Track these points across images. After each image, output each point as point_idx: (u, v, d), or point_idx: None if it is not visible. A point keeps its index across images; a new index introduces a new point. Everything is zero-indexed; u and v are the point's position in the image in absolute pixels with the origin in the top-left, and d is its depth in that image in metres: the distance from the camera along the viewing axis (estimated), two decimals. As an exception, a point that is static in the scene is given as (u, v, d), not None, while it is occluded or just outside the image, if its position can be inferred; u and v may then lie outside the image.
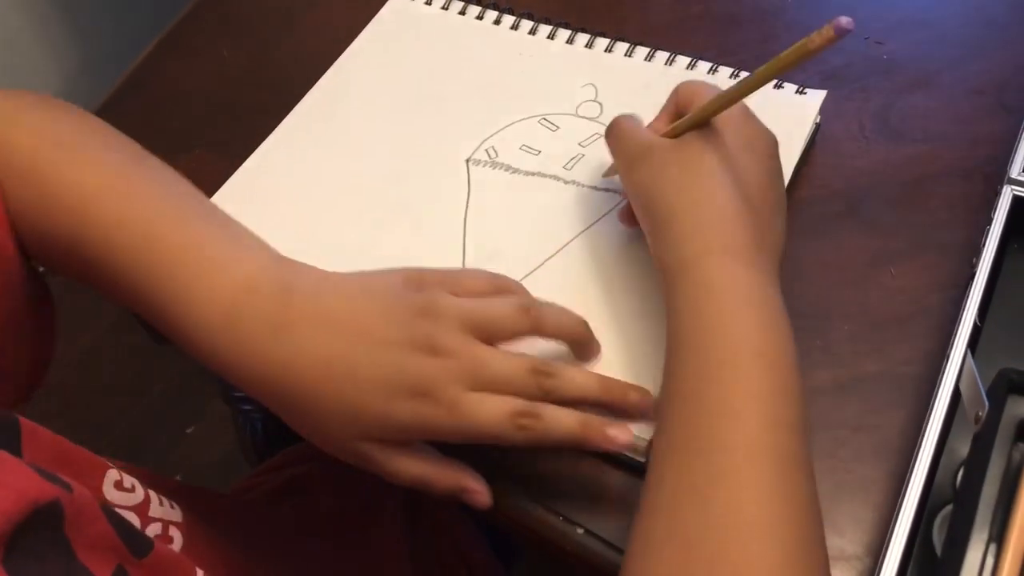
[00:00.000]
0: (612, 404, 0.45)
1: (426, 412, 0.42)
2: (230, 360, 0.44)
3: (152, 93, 0.69)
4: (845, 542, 0.45)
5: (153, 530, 0.45)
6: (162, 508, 0.46)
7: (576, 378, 0.44)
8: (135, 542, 0.38)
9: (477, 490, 0.45)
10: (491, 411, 0.42)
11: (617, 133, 0.51)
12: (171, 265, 0.45)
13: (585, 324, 0.47)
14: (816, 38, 0.39)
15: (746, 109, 0.48)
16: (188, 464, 1.35)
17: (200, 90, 0.68)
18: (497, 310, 0.45)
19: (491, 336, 0.44)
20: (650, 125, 0.51)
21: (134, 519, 0.44)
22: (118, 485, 0.43)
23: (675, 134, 0.48)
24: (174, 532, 0.46)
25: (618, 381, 0.46)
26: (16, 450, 0.37)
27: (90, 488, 0.40)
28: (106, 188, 0.48)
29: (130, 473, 0.46)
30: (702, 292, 0.43)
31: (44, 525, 0.33)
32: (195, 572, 0.42)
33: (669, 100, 0.51)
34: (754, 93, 0.54)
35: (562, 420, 0.43)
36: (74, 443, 0.42)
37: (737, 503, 0.37)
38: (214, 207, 0.51)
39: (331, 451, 0.45)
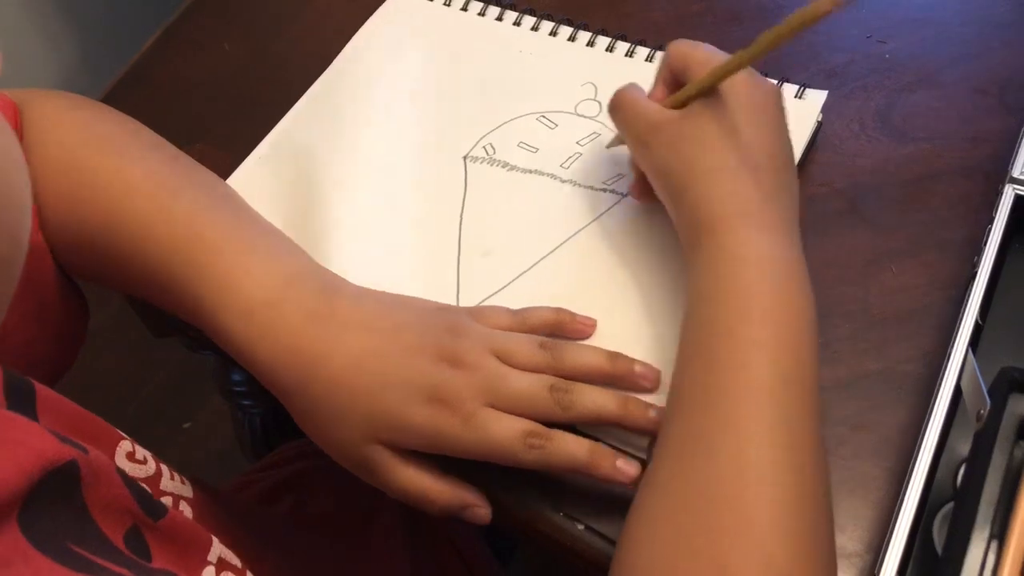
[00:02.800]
0: (627, 422, 0.45)
1: (441, 420, 0.43)
2: (262, 349, 0.46)
3: (153, 87, 0.69)
4: (845, 539, 0.45)
5: (164, 503, 0.45)
6: (173, 483, 0.47)
7: (594, 395, 0.45)
8: (150, 506, 0.39)
9: (478, 504, 0.46)
10: (504, 427, 0.44)
11: (624, 109, 0.51)
12: (213, 255, 0.47)
13: (608, 357, 0.47)
14: (824, 3, 0.39)
15: (750, 70, 0.48)
16: (185, 459, 1.35)
17: (201, 84, 0.68)
18: (518, 341, 0.46)
19: (510, 362, 0.46)
20: (650, 95, 0.51)
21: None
22: (130, 456, 0.44)
23: (680, 103, 0.48)
24: (184, 507, 0.47)
25: (636, 400, 0.46)
26: (31, 414, 0.38)
27: None
28: (150, 182, 0.50)
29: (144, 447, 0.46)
30: (716, 256, 0.44)
31: (60, 485, 0.33)
32: (210, 539, 0.42)
33: (663, 66, 0.51)
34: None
35: (572, 444, 0.44)
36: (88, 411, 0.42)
37: (741, 450, 0.38)
38: (256, 212, 0.53)
39: (336, 453, 0.46)
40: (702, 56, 0.48)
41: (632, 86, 0.52)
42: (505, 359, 0.45)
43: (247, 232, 0.49)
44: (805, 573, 0.37)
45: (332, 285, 0.48)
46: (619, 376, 0.47)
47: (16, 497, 0.31)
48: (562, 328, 0.49)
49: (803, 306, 0.43)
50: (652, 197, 0.51)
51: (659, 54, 0.62)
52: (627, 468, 0.44)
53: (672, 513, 0.39)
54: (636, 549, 0.39)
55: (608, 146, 0.57)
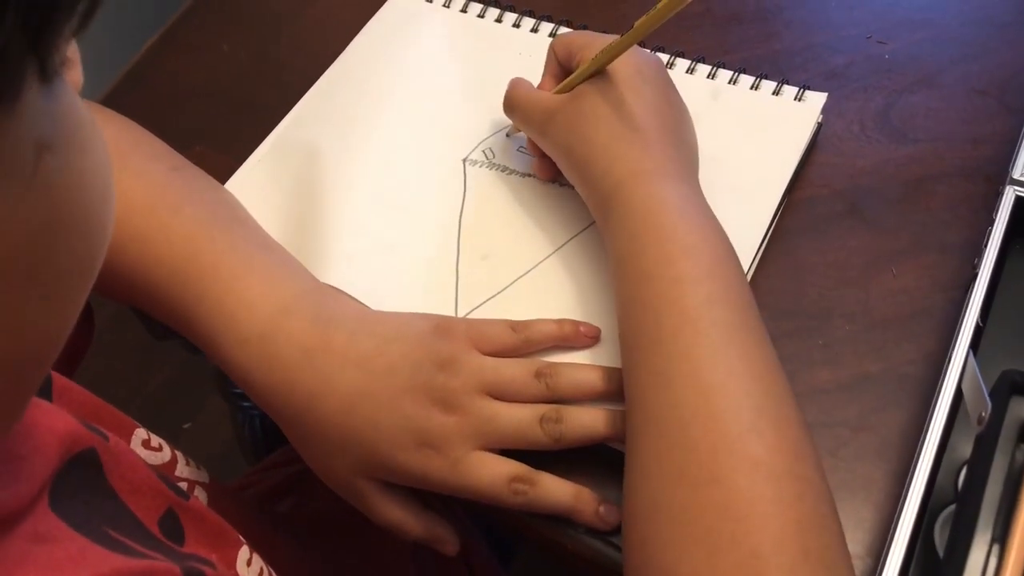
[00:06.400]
0: (621, 439, 0.46)
1: (430, 464, 0.45)
2: (258, 379, 0.46)
3: (152, 89, 0.69)
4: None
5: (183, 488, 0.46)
6: (189, 468, 0.47)
7: (585, 419, 0.46)
8: (177, 489, 0.39)
9: (447, 540, 0.49)
10: (489, 473, 0.45)
11: (516, 105, 0.54)
12: (210, 280, 0.48)
13: (604, 374, 0.47)
14: None
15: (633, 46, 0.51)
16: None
17: (201, 86, 0.68)
18: (512, 374, 0.47)
19: (504, 397, 0.46)
20: (540, 87, 0.55)
21: None
22: (146, 444, 0.44)
23: (570, 88, 0.51)
24: (199, 492, 0.47)
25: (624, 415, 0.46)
26: (48, 401, 0.38)
27: None
28: (152, 200, 0.50)
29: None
30: (627, 213, 0.46)
31: (84, 470, 0.34)
32: (232, 530, 0.42)
33: (549, 59, 0.55)
34: (755, 97, 0.55)
35: (556, 490, 0.45)
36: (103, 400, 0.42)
37: (697, 373, 0.40)
38: (257, 226, 0.53)
39: (329, 480, 0.47)
40: (583, 41, 0.52)
41: (520, 81, 0.55)
42: (498, 394, 0.46)
43: (245, 253, 0.49)
44: (788, 462, 0.38)
45: (327, 314, 0.48)
46: (617, 393, 0.47)
47: (43, 480, 0.31)
48: (566, 342, 0.49)
49: (718, 237, 0.45)
50: (556, 174, 0.55)
51: (659, 56, 0.62)
52: (609, 516, 0.46)
53: (655, 451, 0.40)
54: (635, 496, 0.41)
55: (508, 134, 0.59)
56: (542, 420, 0.45)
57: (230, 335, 0.47)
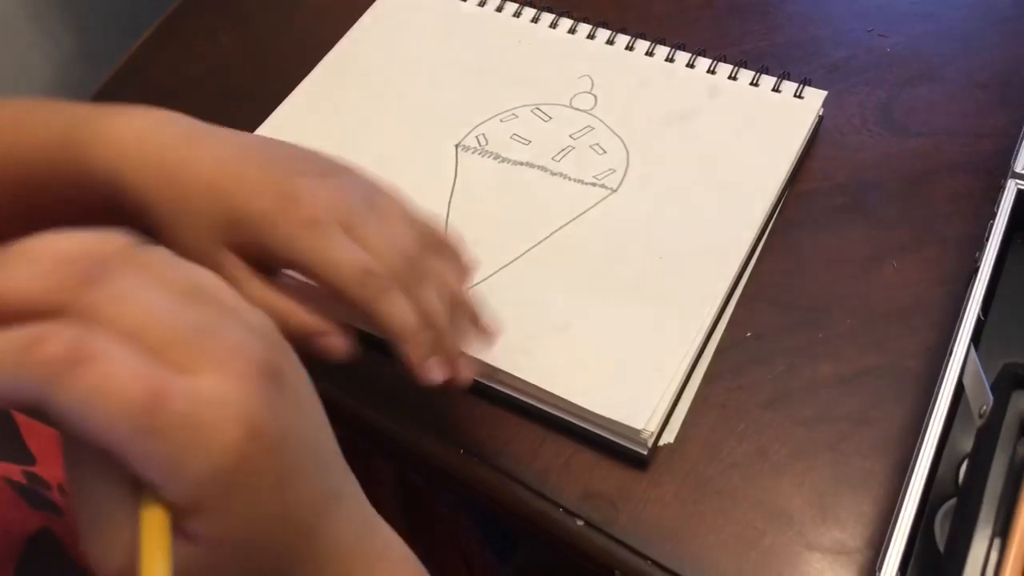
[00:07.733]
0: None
1: (286, 215, 0.40)
2: (132, 164, 0.41)
3: (149, 80, 0.68)
4: (847, 536, 0.45)
5: None
6: None
7: (435, 299, 0.42)
8: None
9: (330, 332, 0.41)
10: (347, 250, 0.40)
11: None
12: (77, 114, 0.43)
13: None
14: None
15: None
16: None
17: (198, 77, 0.68)
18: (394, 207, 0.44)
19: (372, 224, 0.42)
20: None
21: None
22: None
23: None
24: None
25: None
26: (18, 438, 0.37)
27: None
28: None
29: None
30: None
31: (42, 553, 0.32)
32: None
33: None
34: (754, 94, 0.53)
35: (403, 308, 0.40)
36: None
37: None
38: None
39: (189, 251, 0.41)
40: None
41: None
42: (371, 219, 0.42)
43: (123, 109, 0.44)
44: None
45: (194, 124, 0.44)
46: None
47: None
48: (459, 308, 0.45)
49: None
50: None
51: (660, 49, 0.61)
52: (433, 371, 0.41)
53: None
54: None
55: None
56: (408, 260, 0.41)
57: (103, 136, 0.42)
